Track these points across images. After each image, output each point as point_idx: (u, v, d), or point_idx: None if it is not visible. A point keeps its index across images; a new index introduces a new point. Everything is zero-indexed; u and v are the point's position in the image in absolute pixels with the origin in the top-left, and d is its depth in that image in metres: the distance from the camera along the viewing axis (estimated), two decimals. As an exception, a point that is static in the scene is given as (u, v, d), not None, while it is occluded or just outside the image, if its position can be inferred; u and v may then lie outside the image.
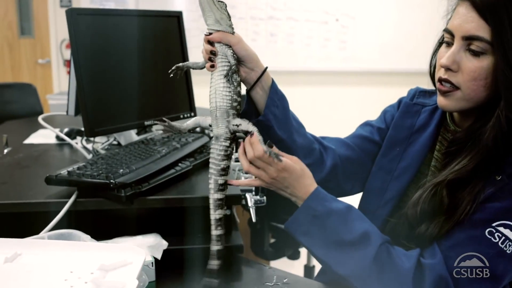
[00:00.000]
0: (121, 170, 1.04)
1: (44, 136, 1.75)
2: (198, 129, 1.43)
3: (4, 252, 0.79)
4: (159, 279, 0.92)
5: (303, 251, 2.43)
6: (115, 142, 1.51)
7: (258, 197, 1.14)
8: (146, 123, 1.41)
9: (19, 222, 1.05)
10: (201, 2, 0.89)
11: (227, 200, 0.96)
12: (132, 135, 1.48)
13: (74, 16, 1.21)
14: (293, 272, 1.03)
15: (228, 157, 0.94)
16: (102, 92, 1.29)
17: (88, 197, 1.03)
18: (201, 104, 1.66)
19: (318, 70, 4.33)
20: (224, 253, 0.95)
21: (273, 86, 1.00)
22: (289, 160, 0.94)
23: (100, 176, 1.02)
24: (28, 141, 1.70)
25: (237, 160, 1.34)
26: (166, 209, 1.08)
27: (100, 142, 1.53)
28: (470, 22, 0.88)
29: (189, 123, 0.99)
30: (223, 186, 0.94)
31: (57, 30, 4.18)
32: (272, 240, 2.25)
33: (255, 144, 0.92)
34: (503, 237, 0.85)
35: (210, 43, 0.92)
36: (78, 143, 1.49)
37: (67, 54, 4.14)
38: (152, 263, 0.90)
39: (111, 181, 1.00)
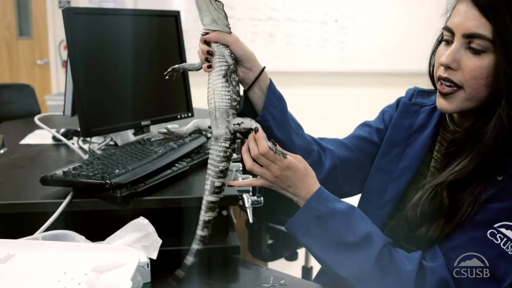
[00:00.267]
0: (117, 171, 1.04)
1: (41, 136, 1.74)
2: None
3: (-3, 253, 0.78)
4: (155, 281, 0.91)
5: (301, 253, 2.43)
6: (111, 143, 1.50)
7: (255, 197, 1.12)
8: (143, 123, 1.40)
9: (14, 222, 1.04)
10: (198, 1, 0.88)
11: (224, 200, 0.95)
12: (129, 136, 1.47)
13: (71, 16, 1.20)
14: (290, 273, 1.02)
15: (227, 159, 0.93)
16: (98, 92, 1.28)
17: (83, 197, 1.03)
18: (198, 105, 1.66)
19: (317, 71, 4.34)
20: (203, 253, 0.94)
21: (271, 86, 0.99)
22: (293, 159, 0.93)
23: (95, 176, 1.01)
24: (25, 141, 1.69)
25: (234, 161, 1.33)
26: (162, 209, 1.07)
27: (97, 143, 1.53)
28: (471, 20, 0.87)
29: (188, 127, 0.98)
30: (219, 189, 0.93)
31: (55, 31, 4.18)
32: (270, 241, 2.25)
33: (260, 141, 0.90)
34: (505, 238, 0.84)
35: (207, 43, 0.91)
36: (74, 143, 1.49)
37: (66, 55, 4.13)
38: (147, 264, 0.89)
39: (107, 181, 0.99)
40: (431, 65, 1.02)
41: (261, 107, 0.98)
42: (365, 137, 1.16)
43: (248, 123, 0.91)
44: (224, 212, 1.08)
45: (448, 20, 0.93)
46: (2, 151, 1.51)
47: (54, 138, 1.64)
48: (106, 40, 1.31)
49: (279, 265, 2.37)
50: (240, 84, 0.96)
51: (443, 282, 0.84)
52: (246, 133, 0.93)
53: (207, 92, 0.91)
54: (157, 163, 1.14)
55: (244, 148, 0.93)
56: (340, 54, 4.32)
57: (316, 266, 2.27)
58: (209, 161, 0.93)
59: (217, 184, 0.92)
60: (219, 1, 0.89)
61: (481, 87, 0.89)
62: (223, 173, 0.92)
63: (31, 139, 1.73)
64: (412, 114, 1.10)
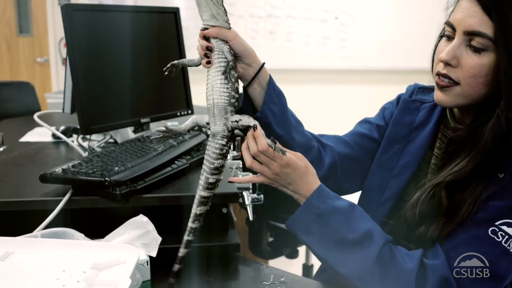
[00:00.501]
0: (117, 168, 1.03)
1: (40, 134, 1.74)
2: (196, 128, 1.42)
3: (-4, 250, 0.78)
4: (154, 278, 0.91)
5: (302, 250, 2.42)
6: (111, 140, 1.50)
7: (255, 195, 1.12)
8: (143, 120, 1.39)
9: (13, 220, 1.03)
10: (197, -4, 0.88)
11: (224, 198, 0.95)
12: (129, 133, 1.46)
13: (70, 12, 1.20)
14: (291, 271, 1.02)
15: (223, 156, 0.92)
16: (97, 89, 1.28)
17: (83, 195, 1.02)
18: (197, 102, 1.65)
19: (317, 68, 4.32)
20: (193, 244, 0.94)
21: (271, 82, 0.99)
22: (293, 156, 0.92)
23: (95, 174, 1.01)
24: (24, 139, 1.69)
25: (235, 158, 1.33)
26: (162, 207, 1.07)
27: (96, 140, 1.52)
28: (473, 17, 0.86)
29: (187, 123, 0.97)
30: (213, 185, 0.92)
31: (55, 28, 4.17)
32: (270, 239, 2.24)
33: (259, 138, 0.89)
34: (506, 236, 0.84)
35: (206, 38, 0.91)
36: (74, 141, 1.48)
37: (66, 52, 4.13)
38: (147, 262, 0.89)
39: (106, 179, 0.98)
40: (434, 61, 1.01)
41: (260, 103, 0.98)
42: (365, 133, 1.15)
43: (246, 120, 0.91)
44: (224, 210, 1.08)
45: (451, 15, 0.92)
46: (1, 149, 1.50)
47: (53, 135, 1.64)
48: (105, 37, 1.31)
49: (280, 263, 2.38)
50: (239, 80, 0.96)
51: (444, 280, 0.84)
52: (246, 130, 0.92)
53: (206, 88, 0.91)
54: (156, 161, 1.13)
55: (244, 145, 0.93)
56: (340, 51, 4.31)
57: (316, 264, 2.27)
58: (205, 157, 0.92)
59: (211, 180, 0.91)
60: (218, -4, 0.89)
61: (479, 86, 0.88)
62: (218, 170, 0.91)
63: (30, 136, 1.72)
64: (413, 111, 1.10)
